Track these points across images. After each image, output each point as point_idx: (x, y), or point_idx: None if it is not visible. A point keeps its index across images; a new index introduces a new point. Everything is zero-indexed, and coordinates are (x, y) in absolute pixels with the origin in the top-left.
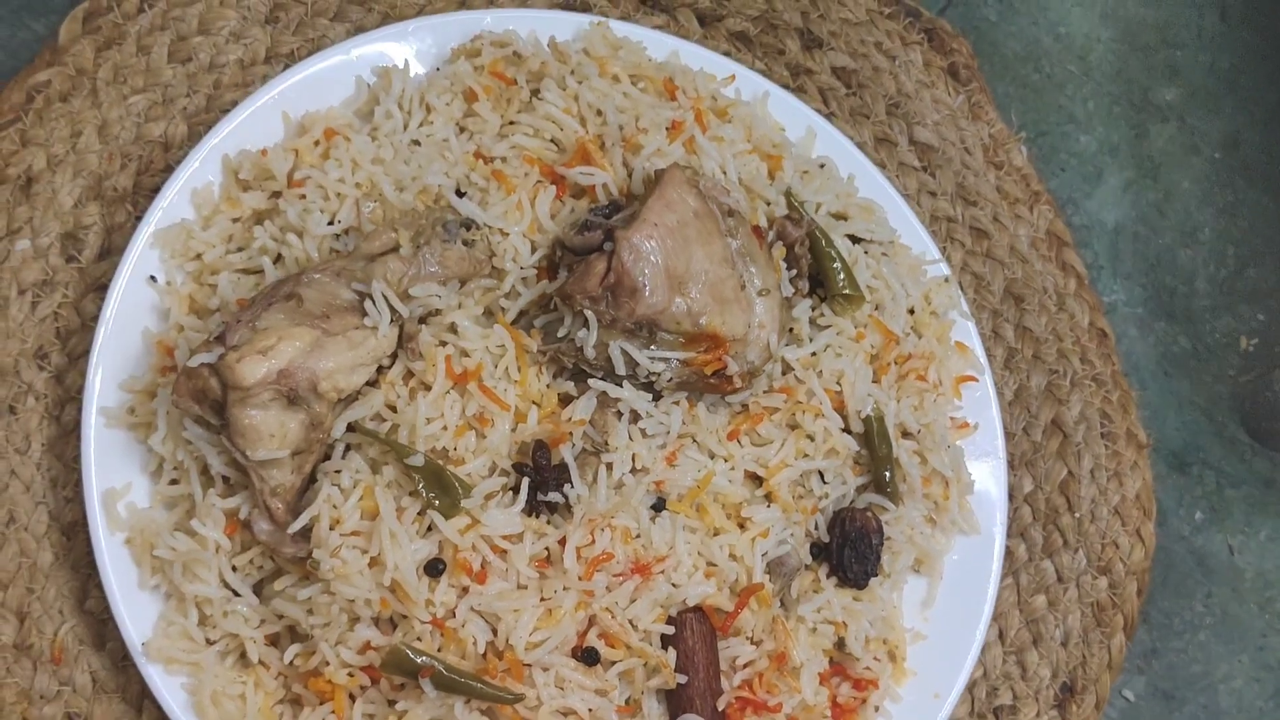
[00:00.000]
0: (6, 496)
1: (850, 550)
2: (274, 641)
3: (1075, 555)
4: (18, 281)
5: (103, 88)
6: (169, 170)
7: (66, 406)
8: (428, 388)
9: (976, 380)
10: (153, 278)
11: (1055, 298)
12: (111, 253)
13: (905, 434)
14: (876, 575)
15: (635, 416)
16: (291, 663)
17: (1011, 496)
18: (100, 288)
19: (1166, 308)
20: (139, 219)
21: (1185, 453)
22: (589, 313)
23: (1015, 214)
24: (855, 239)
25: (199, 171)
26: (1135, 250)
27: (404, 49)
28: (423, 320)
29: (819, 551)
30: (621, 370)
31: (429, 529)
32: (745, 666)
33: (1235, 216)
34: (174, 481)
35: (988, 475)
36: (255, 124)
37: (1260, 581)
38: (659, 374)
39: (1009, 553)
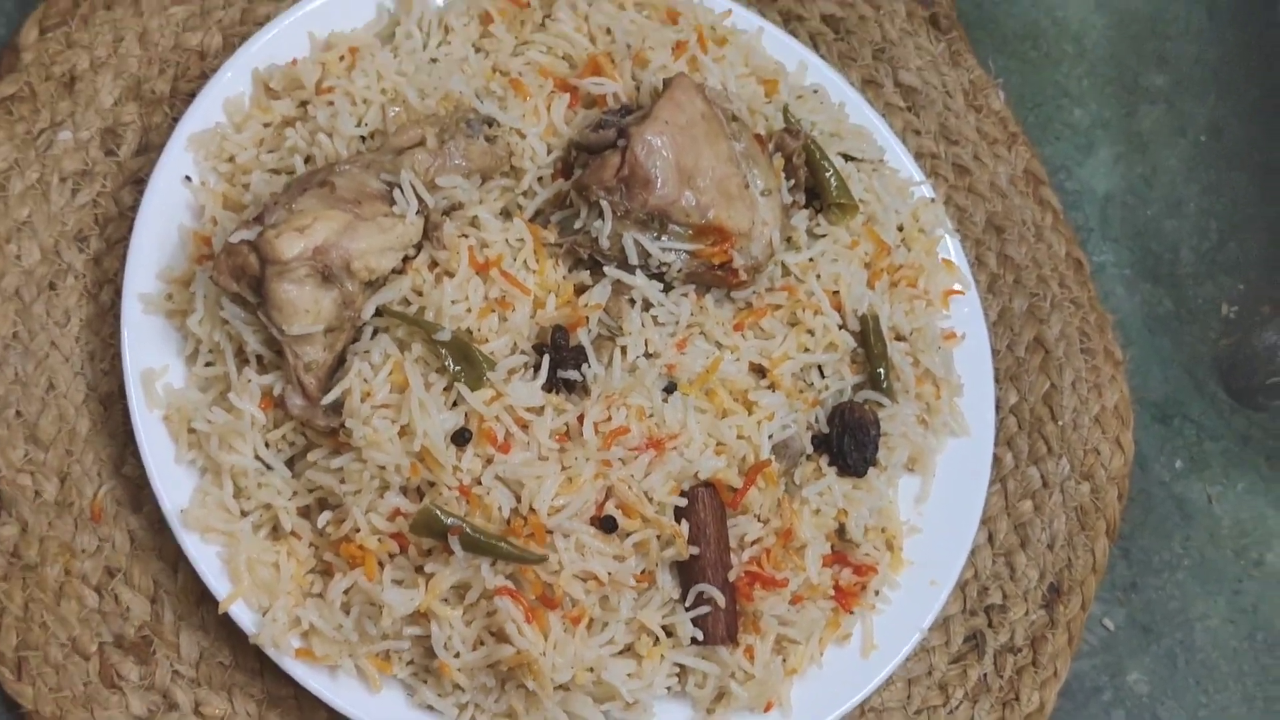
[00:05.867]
0: (47, 365)
1: (850, 439)
2: (304, 514)
3: (1059, 462)
4: (59, 170)
5: None
6: (204, 77)
7: (104, 288)
8: (452, 275)
9: (963, 293)
10: (188, 177)
11: (1034, 229)
12: (148, 150)
13: (898, 337)
14: (874, 465)
15: (647, 305)
16: (323, 531)
17: (998, 408)
18: (137, 181)
19: (1152, 271)
20: (175, 121)
21: (1167, 405)
22: (604, 203)
23: (995, 153)
24: (848, 157)
25: (231, 82)
26: (1123, 217)
27: None
28: (446, 214)
29: (820, 443)
30: (634, 260)
31: (455, 403)
32: (753, 543)
33: (1218, 194)
34: (209, 364)
35: (976, 382)
36: (283, 40)
37: (1237, 530)
38: (669, 264)
39: (997, 460)
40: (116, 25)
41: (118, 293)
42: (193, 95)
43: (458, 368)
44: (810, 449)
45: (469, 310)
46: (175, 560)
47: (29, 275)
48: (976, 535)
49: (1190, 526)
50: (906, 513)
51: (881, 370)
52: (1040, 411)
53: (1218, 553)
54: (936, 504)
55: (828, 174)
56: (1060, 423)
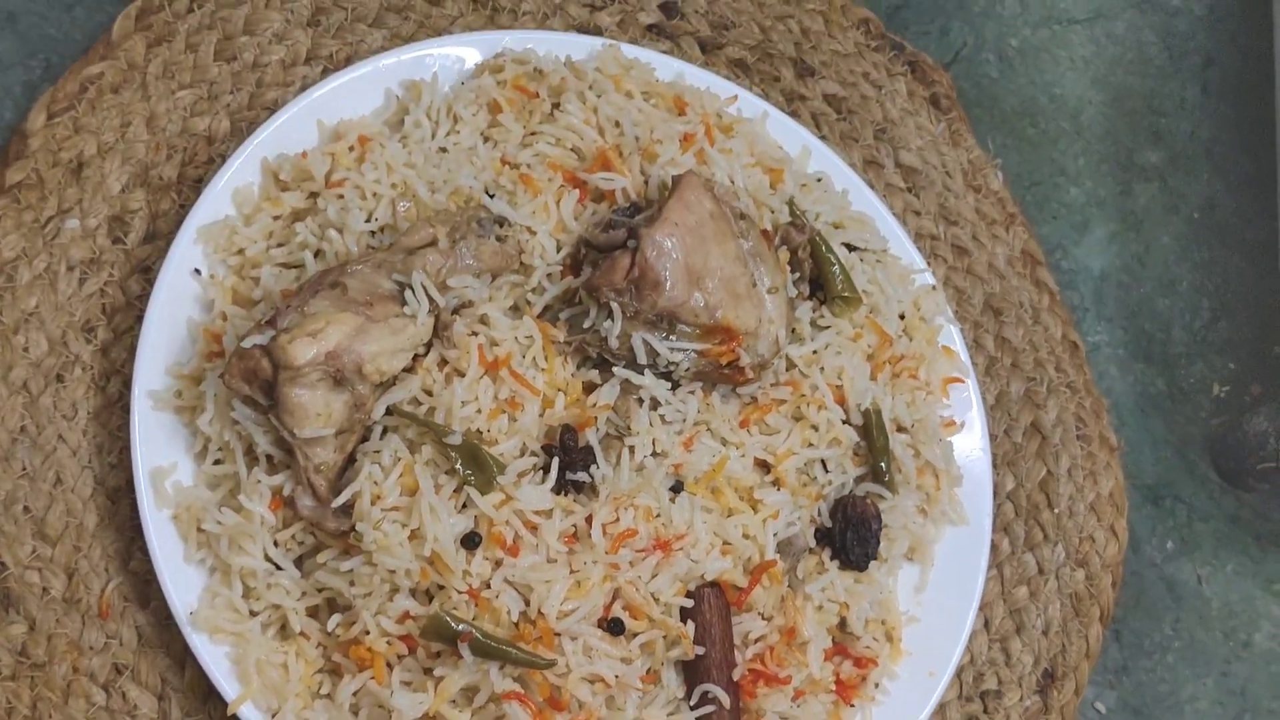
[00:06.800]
0: (54, 459)
1: (852, 533)
2: (313, 614)
3: (1055, 549)
4: (66, 258)
5: (152, 82)
6: (212, 162)
7: (112, 379)
8: (461, 374)
9: (962, 381)
10: (197, 270)
11: (1031, 311)
12: (156, 237)
13: (900, 429)
14: (876, 558)
15: (655, 404)
16: (332, 632)
17: (995, 494)
18: (144, 269)
19: (1145, 352)
20: (183, 207)
21: (1159, 487)
22: (614, 304)
23: (993, 234)
24: (851, 247)
25: (239, 172)
26: (1118, 296)
27: (430, 65)
28: (456, 312)
29: (822, 536)
30: (643, 360)
31: (464, 505)
32: (757, 641)
33: (1210, 272)
34: (218, 462)
35: (974, 471)
36: (292, 128)
37: (1225, 611)
38: (677, 364)
39: (993, 546)
40: (124, 109)
41: (125, 384)
42: (200, 181)
43: (468, 471)
44: (812, 543)
45: (479, 411)
46: (182, 656)
47: (36, 367)
48: (976, 614)
49: (1180, 608)
50: (905, 602)
51: (884, 464)
52: (1037, 498)
53: (1207, 634)
54: (934, 593)
55: (832, 267)
56: (1056, 510)
